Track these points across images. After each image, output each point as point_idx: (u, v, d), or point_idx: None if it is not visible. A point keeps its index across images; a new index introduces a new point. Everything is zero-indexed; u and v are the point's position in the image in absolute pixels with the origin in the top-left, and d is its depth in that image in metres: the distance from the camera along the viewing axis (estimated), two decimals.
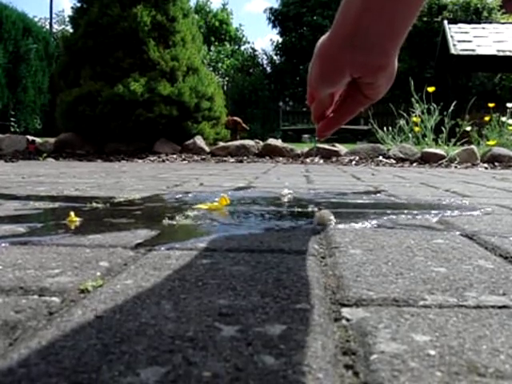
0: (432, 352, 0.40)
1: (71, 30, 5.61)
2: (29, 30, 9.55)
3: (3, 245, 0.79)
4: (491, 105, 5.80)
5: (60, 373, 0.36)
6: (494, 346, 0.41)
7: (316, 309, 0.50)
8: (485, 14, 15.75)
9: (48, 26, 13.29)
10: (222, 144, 5.11)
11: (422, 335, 0.44)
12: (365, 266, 0.68)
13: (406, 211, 1.28)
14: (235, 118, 6.30)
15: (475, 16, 15.34)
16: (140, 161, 4.32)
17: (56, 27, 15.42)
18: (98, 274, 0.63)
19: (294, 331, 0.44)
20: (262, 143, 5.11)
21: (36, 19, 12.76)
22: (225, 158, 4.67)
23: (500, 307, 0.52)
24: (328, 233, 0.93)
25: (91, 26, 4.85)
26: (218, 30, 22.34)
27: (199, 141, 4.93)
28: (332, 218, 1.05)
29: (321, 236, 0.90)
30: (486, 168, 4.15)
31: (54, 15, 15.40)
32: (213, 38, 21.35)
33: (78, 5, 5.20)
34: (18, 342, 0.42)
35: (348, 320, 0.47)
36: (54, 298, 0.53)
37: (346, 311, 0.50)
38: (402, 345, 0.41)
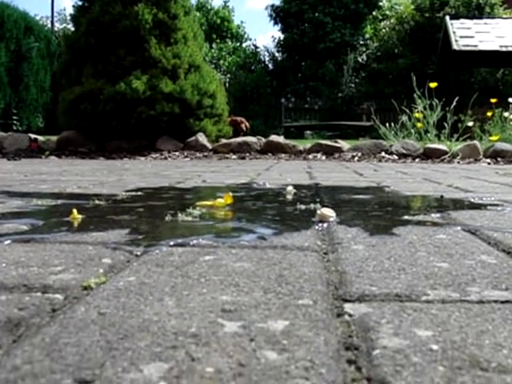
0: (435, 347, 0.40)
1: (73, 29, 5.61)
2: (30, 28, 9.55)
3: (6, 242, 0.79)
4: (493, 100, 5.79)
5: (64, 369, 0.36)
6: (496, 341, 0.41)
7: (319, 304, 0.50)
8: (487, 9, 15.68)
9: (50, 25, 13.25)
10: (224, 141, 5.11)
11: (425, 330, 0.44)
12: (367, 262, 0.68)
13: (408, 207, 1.28)
14: (236, 118, 6.22)
15: (477, 12, 15.27)
16: (142, 158, 4.32)
17: (58, 26, 15.40)
18: (101, 270, 0.63)
19: (297, 327, 0.44)
20: (264, 140, 5.11)
21: (37, 18, 12.76)
22: (227, 155, 4.67)
23: (503, 302, 0.52)
24: (330, 229, 0.93)
25: (93, 24, 4.85)
26: (219, 28, 22.31)
27: (201, 138, 4.93)
28: (334, 214, 1.05)
29: (323, 232, 0.90)
30: (489, 163, 4.14)
31: (55, 14, 15.37)
32: (214, 36, 21.32)
33: (80, 3, 5.21)
34: (21, 338, 0.42)
35: (350, 315, 0.47)
36: (57, 295, 0.53)
37: (348, 307, 0.50)
38: (405, 340, 0.42)
